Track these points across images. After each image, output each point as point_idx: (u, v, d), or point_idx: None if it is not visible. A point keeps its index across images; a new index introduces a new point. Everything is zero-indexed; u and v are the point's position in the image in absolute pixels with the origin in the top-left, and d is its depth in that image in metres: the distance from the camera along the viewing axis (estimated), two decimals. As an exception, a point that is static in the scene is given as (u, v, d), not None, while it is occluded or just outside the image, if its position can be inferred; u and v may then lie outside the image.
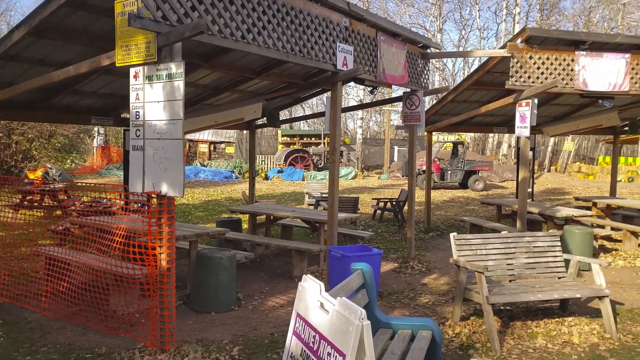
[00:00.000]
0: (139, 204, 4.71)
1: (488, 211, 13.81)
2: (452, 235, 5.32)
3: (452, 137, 30.04)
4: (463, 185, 21.71)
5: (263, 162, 29.97)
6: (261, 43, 4.87)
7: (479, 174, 21.58)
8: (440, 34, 37.00)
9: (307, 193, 13.82)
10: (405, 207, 11.47)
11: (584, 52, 7.20)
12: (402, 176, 25.48)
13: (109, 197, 5.76)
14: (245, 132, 30.17)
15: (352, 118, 53.01)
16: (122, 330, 4.68)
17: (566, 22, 36.61)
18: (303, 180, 25.05)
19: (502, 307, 5.61)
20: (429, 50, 8.00)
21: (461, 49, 43.24)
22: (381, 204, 12.12)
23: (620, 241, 9.11)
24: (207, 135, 32.52)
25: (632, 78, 7.37)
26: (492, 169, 24.31)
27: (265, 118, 9.73)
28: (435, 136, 29.26)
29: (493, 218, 11.66)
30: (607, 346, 4.59)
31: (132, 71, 3.92)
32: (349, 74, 6.08)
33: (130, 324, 4.85)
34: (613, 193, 12.01)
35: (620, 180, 24.66)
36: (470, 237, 5.46)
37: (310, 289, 2.64)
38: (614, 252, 8.73)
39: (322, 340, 2.37)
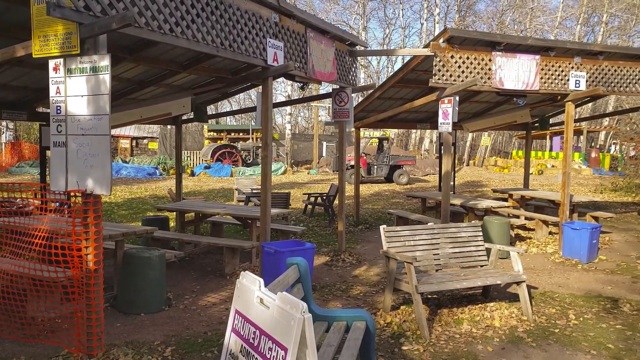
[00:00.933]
0: (58, 203, 4.42)
1: (412, 204, 14.38)
2: (382, 227, 5.49)
3: (378, 133, 30.94)
4: (388, 179, 22.44)
5: (189, 158, 29.16)
6: (190, 37, 4.73)
7: (403, 169, 22.40)
8: (364, 31, 37.86)
9: (236, 189, 13.62)
10: (336, 202, 11.68)
11: (500, 53, 7.69)
12: (333, 171, 25.87)
13: (24, 196, 5.35)
14: (169, 127, 29.16)
15: (280, 113, 53.03)
16: (42, 337, 4.38)
17: (481, 24, 38.87)
18: (231, 176, 24.69)
19: (429, 296, 5.88)
20: (356, 48, 8.17)
21: (385, 47, 44.52)
22: (312, 199, 12.24)
23: (533, 230, 9.85)
24: (128, 130, 31.05)
25: (541, 78, 7.98)
26: (415, 164, 25.32)
27: (192, 113, 9.48)
28: (361, 132, 30.00)
29: (418, 210, 12.17)
30: (525, 328, 4.96)
31: (51, 63, 3.66)
32: (279, 69, 6.07)
33: (51, 331, 4.56)
34: (526, 185, 12.95)
35: (532, 173, 26.65)
36: (399, 229, 5.67)
37: (249, 285, 2.62)
38: (528, 240, 9.43)
39: (262, 336, 2.37)
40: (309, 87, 8.16)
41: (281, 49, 6.14)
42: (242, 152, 28.29)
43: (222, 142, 30.83)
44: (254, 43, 5.71)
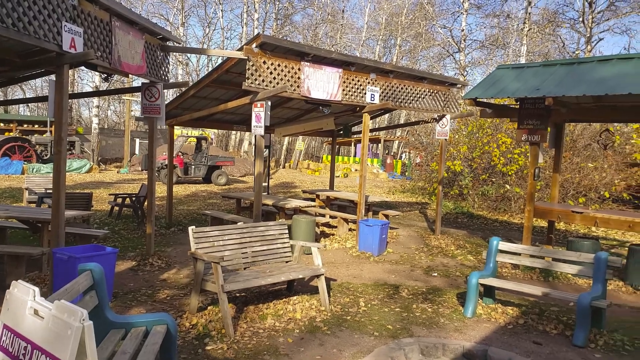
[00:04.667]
0: None
1: (229, 204, 14.44)
2: (190, 228, 5.41)
3: (197, 132, 30.27)
4: (206, 179, 22.12)
5: (-36, 153, 24.44)
6: (-43, 6, 4.00)
7: (222, 169, 22.33)
8: (183, 27, 36.70)
9: (27, 189, 11.90)
10: (146, 203, 11.06)
11: (308, 64, 8.22)
12: (142, 170, 24.38)
13: None
14: (-62, 113, 24.08)
15: (86, 105, 48.12)
16: None
17: (297, 34, 40.96)
18: (23, 173, 21.49)
19: (237, 294, 5.99)
20: (169, 43, 7.88)
21: (205, 46, 43.80)
22: (119, 200, 11.38)
23: (336, 227, 10.75)
24: None
25: (343, 90, 8.78)
26: (234, 165, 25.46)
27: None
28: (179, 130, 28.98)
29: (233, 211, 12.27)
30: (322, 317, 5.39)
31: None
32: (77, 57, 5.52)
33: None
34: (332, 187, 14.08)
35: (338, 176, 29.05)
36: (209, 229, 5.65)
37: (21, 295, 2.32)
38: (331, 236, 10.25)
39: (35, 350, 2.12)
40: (113, 78, 7.60)
41: (80, 35, 5.59)
42: (37, 146, 24.79)
43: (11, 134, 26.60)
44: (46, 25, 5.09)
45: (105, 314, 3.65)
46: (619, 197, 14.18)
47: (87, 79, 45.29)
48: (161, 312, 4.25)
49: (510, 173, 14.56)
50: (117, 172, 25.64)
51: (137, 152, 31.40)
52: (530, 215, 8.10)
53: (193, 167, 21.65)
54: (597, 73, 7.23)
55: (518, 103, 8.06)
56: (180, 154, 21.62)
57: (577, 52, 32.36)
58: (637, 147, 14.95)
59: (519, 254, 6.42)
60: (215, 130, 36.86)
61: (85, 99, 40.89)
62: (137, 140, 32.06)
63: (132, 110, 32.13)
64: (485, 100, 8.35)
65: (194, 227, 5.44)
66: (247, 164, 28.33)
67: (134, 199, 11.06)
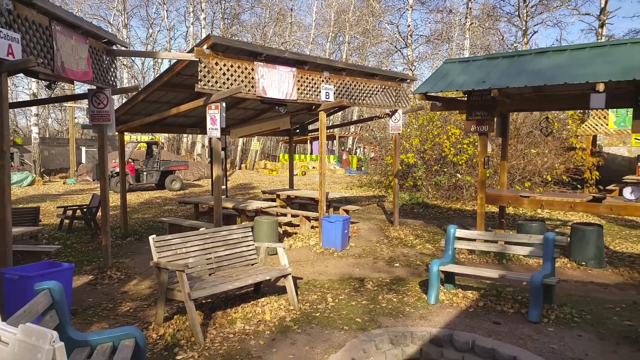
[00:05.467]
0: None
1: (186, 210, 14.15)
2: (151, 237, 5.27)
3: (147, 137, 29.43)
4: (160, 185, 21.56)
5: None
6: None
7: (176, 174, 21.83)
8: (126, 29, 35.57)
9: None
10: (99, 213, 10.68)
11: (262, 63, 8.16)
12: (93, 180, 23.47)
13: None
14: None
15: (24, 114, 45.89)
16: None
17: (245, 33, 40.53)
18: (-40, 191, 20.16)
19: (204, 301, 5.89)
20: (115, 47, 7.63)
21: (149, 47, 42.62)
22: (69, 212, 10.92)
23: (298, 225, 10.76)
24: None
25: (298, 89, 8.78)
26: (188, 168, 24.93)
27: None
28: (127, 136, 28.08)
29: (191, 216, 12.04)
30: (292, 317, 5.39)
31: None
32: (16, 64, 5.24)
33: None
34: (291, 185, 14.07)
35: (297, 174, 29.05)
36: (170, 237, 5.52)
37: (-20, 322, 2.20)
38: (294, 235, 10.25)
39: (2, 378, 2.02)
40: (60, 85, 7.29)
41: (18, 41, 5.31)
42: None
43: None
44: (-19, 32, 4.80)
45: (67, 333, 3.51)
46: (559, 179, 14.98)
47: (22, 86, 43.13)
48: (127, 326, 4.11)
49: (460, 163, 15.04)
50: (64, 183, 24.55)
51: (83, 161, 30.17)
52: (483, 202, 8.41)
53: (145, 173, 21.05)
54: (535, 65, 7.59)
55: (466, 95, 8.33)
56: (130, 160, 20.96)
57: (515, 45, 33.75)
58: (572, 132, 15.85)
59: (475, 240, 6.66)
60: (166, 134, 35.98)
61: (22, 107, 38.92)
62: (83, 149, 30.81)
63: (75, 118, 30.82)
64: (434, 94, 8.58)
65: (154, 235, 5.31)
66: (201, 167, 27.81)
67: (85, 210, 10.64)
